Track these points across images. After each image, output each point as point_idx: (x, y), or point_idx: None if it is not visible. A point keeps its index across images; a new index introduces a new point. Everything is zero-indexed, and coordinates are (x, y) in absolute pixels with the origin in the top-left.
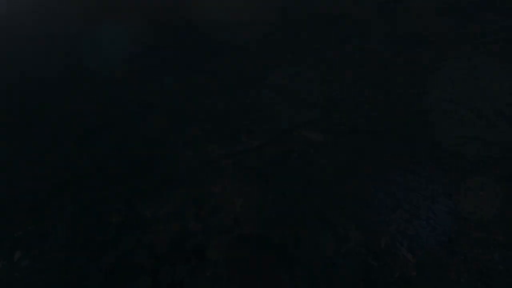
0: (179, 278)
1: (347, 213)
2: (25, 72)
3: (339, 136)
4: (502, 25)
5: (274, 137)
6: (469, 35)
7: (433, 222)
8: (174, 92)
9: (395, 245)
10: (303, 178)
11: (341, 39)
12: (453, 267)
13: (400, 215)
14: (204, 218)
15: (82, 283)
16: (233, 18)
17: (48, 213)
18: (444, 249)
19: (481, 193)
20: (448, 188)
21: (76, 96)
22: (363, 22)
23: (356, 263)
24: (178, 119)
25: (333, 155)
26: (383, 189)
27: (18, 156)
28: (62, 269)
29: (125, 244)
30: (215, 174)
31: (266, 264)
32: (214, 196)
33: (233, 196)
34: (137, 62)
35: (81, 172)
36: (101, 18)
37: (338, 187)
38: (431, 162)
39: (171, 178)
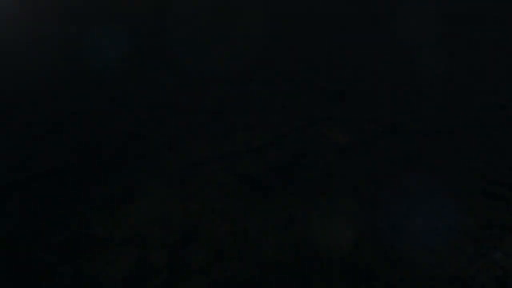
0: None
1: (387, 256)
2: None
3: (371, 137)
4: None
5: (281, 136)
6: None
7: None
8: (161, 81)
9: None
10: (319, 195)
11: (365, 28)
12: None
13: (477, 271)
14: (173, 247)
15: None
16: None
17: None
18: None
19: None
20: None
21: (50, 86)
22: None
23: None
24: (163, 110)
25: (363, 163)
26: (440, 221)
27: None
28: None
29: (60, 279)
30: (195, 184)
31: None
32: (191, 215)
33: (218, 216)
34: (123, 53)
35: (35, 173)
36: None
37: (371, 213)
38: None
39: (139, 186)
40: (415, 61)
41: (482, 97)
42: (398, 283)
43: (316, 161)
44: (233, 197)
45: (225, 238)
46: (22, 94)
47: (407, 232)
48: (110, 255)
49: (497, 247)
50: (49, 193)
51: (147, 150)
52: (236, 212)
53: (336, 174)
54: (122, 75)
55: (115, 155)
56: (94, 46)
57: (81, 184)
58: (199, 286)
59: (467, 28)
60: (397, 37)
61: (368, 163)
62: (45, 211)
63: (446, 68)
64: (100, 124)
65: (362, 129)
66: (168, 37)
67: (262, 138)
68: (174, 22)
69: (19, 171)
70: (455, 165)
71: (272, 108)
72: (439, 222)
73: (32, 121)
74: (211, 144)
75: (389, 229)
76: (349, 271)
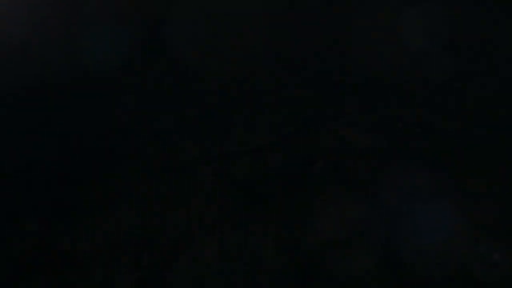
0: None
1: None
2: None
3: (399, 140)
4: None
5: (287, 135)
6: None
7: None
8: (156, 69)
9: None
10: (331, 211)
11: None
12: None
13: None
14: (145, 271)
15: None
16: None
17: None
18: None
19: None
20: None
21: (42, 81)
22: None
23: None
24: (154, 102)
25: (391, 173)
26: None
27: None
28: None
29: None
30: (183, 189)
31: None
32: (173, 229)
33: (205, 233)
34: (121, 51)
35: (5, 172)
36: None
37: (403, 242)
38: None
39: (116, 189)
40: (442, 55)
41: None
42: None
43: (328, 168)
44: (225, 208)
45: (212, 262)
46: (11, 89)
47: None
48: (70, 276)
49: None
50: (10, 197)
51: (134, 147)
52: (228, 227)
53: (355, 185)
54: (116, 72)
55: (100, 152)
56: (91, 45)
57: (49, 186)
58: None
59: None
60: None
61: (397, 173)
62: (9, 215)
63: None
64: (81, 117)
65: (386, 129)
66: (169, 32)
67: (263, 137)
68: (175, 18)
69: None
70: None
71: (277, 103)
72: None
73: (18, 115)
74: (204, 143)
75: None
76: None
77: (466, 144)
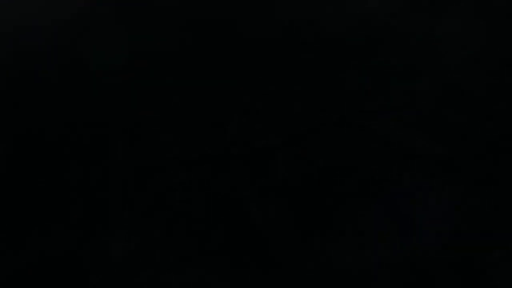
0: None
1: None
2: None
3: (465, 146)
4: None
5: (302, 135)
6: None
7: None
8: (149, 48)
9: None
10: (372, 259)
11: None
12: None
13: None
14: None
15: None
16: None
17: None
18: None
19: None
20: None
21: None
22: None
23: None
24: (140, 88)
25: (452, 193)
26: None
27: None
28: None
29: None
30: (140, 205)
31: None
32: (109, 266)
33: (153, 276)
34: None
35: None
36: None
37: None
38: None
39: (59, 200)
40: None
41: None
42: None
43: (364, 186)
44: (193, 240)
45: None
46: None
47: None
48: None
49: None
50: None
51: (96, 143)
52: (192, 273)
53: (404, 212)
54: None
55: (60, 150)
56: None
57: None
58: None
59: None
60: None
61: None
62: None
63: None
64: (51, 103)
65: (448, 130)
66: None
67: (268, 134)
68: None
69: None
70: None
71: (291, 90)
72: None
73: None
74: (187, 139)
75: None
76: None
77: None
